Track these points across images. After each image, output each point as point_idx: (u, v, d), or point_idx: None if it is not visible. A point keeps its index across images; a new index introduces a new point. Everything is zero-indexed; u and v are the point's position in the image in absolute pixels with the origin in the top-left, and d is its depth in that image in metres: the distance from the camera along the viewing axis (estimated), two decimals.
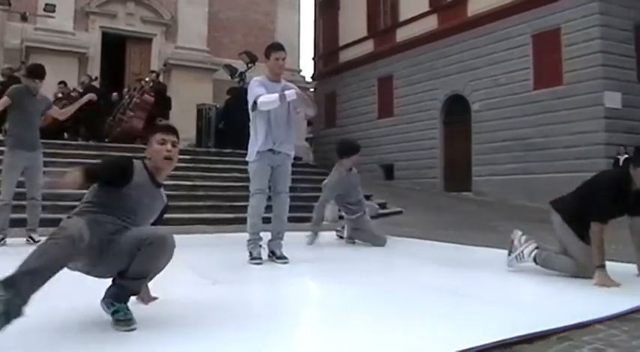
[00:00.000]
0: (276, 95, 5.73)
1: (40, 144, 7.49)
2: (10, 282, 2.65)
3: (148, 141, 3.49)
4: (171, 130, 3.55)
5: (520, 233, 5.32)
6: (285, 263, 5.88)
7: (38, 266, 2.73)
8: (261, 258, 5.89)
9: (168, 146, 3.44)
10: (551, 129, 17.37)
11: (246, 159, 6.14)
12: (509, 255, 5.32)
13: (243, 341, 2.98)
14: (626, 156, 15.59)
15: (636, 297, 3.98)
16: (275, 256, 6.01)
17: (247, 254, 5.92)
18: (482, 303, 4.05)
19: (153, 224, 3.54)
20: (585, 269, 4.74)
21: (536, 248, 5.16)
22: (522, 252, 5.20)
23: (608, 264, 4.80)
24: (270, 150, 5.97)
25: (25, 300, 2.67)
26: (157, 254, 3.18)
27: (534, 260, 5.11)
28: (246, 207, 6.20)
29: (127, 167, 3.32)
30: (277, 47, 6.22)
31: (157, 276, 3.34)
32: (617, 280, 4.51)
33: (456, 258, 6.61)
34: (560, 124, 17.12)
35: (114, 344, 2.87)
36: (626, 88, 16.71)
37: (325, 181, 7.99)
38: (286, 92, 5.74)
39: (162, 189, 3.57)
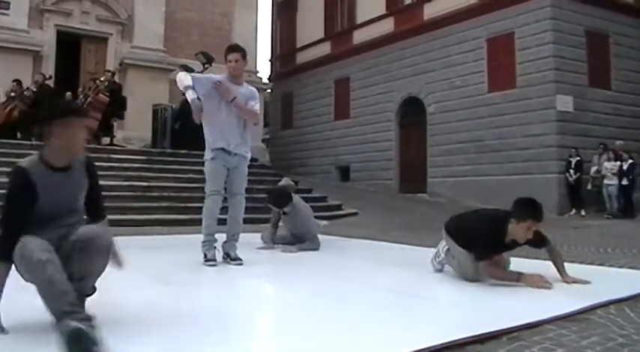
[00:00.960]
0: (195, 96, 5.81)
1: None
2: None
3: (58, 122, 3.15)
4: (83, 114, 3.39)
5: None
6: (240, 264, 5.86)
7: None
8: (215, 260, 5.86)
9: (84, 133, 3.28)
10: (504, 132, 17.58)
11: (204, 158, 6.13)
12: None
13: (194, 343, 2.97)
14: (578, 158, 15.89)
15: (584, 298, 4.06)
16: (230, 258, 5.98)
17: (202, 255, 5.89)
18: (435, 304, 4.09)
19: (93, 206, 3.41)
20: (468, 272, 4.88)
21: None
22: (439, 249, 5.35)
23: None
24: (225, 150, 5.95)
25: None
26: (90, 256, 3.08)
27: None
28: (201, 208, 6.17)
29: (21, 180, 3.14)
30: (232, 49, 6.20)
31: (109, 278, 3.29)
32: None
33: (410, 259, 6.64)
34: (513, 127, 17.35)
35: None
36: (577, 92, 16.99)
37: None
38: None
39: (70, 170, 3.27)
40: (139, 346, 2.88)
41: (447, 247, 5.22)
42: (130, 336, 3.02)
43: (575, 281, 4.79)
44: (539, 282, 4.50)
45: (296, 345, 2.98)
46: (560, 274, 4.86)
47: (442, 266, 5.35)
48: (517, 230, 4.62)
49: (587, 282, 4.77)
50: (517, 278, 4.59)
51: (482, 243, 4.68)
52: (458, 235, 5.00)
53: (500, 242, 4.74)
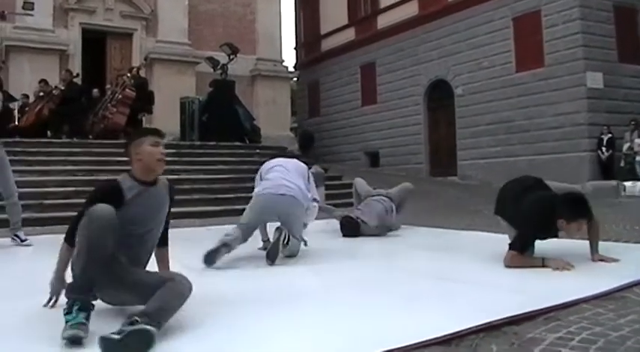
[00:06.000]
0: None
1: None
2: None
3: (134, 144, 3.50)
4: (161, 134, 3.64)
5: None
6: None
7: None
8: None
9: (161, 148, 3.53)
10: (533, 111, 17.40)
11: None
12: None
13: (227, 330, 2.99)
14: (610, 135, 15.69)
15: (621, 276, 4.02)
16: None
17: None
18: (469, 286, 4.06)
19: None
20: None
21: None
22: None
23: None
24: None
25: None
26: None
27: None
28: (231, 198, 6.18)
29: (114, 189, 3.35)
30: None
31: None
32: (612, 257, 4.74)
33: (442, 242, 6.62)
34: (543, 106, 17.17)
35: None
36: (607, 68, 16.74)
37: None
38: None
39: (158, 185, 3.63)
40: (167, 336, 2.91)
41: None
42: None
43: (602, 259, 4.80)
44: (561, 265, 4.48)
45: (330, 331, 2.99)
46: (591, 251, 4.89)
47: None
48: (567, 228, 4.62)
49: (615, 260, 4.76)
50: (541, 264, 4.58)
51: (524, 236, 4.70)
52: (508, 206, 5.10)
53: (547, 232, 4.76)
